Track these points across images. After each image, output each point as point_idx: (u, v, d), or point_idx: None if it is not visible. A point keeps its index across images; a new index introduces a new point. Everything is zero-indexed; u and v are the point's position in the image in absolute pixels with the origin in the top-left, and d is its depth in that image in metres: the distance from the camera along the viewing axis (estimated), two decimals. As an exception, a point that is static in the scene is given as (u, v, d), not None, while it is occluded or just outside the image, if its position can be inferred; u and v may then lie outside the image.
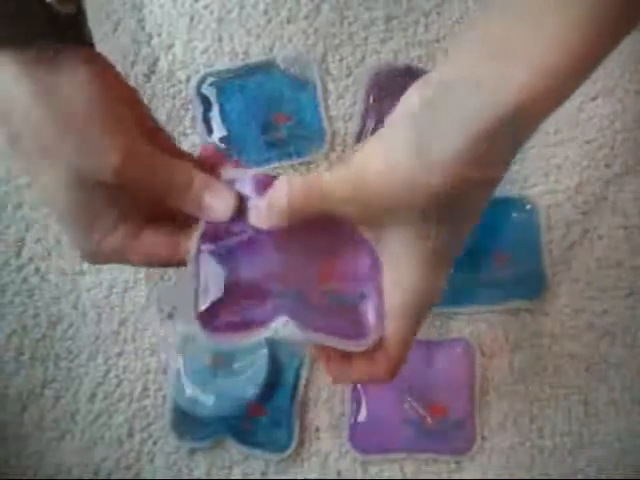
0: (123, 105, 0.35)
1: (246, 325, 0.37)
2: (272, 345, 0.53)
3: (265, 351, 0.52)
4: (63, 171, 0.33)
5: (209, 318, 0.36)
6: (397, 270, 0.35)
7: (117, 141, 0.33)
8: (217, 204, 0.35)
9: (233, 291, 0.37)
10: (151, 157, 0.35)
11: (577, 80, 0.31)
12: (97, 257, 0.36)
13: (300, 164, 0.56)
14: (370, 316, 0.36)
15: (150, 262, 0.37)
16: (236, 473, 0.52)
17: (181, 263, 0.37)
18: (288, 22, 0.57)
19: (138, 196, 0.35)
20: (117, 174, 0.33)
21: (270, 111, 0.56)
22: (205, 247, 0.37)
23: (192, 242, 0.36)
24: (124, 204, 0.35)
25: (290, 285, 0.37)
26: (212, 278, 0.37)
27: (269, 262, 0.37)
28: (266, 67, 0.56)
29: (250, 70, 0.56)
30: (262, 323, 0.36)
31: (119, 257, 0.36)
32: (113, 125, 0.34)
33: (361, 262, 0.36)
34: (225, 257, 0.37)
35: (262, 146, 0.55)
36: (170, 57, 0.57)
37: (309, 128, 0.56)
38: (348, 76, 0.57)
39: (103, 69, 0.35)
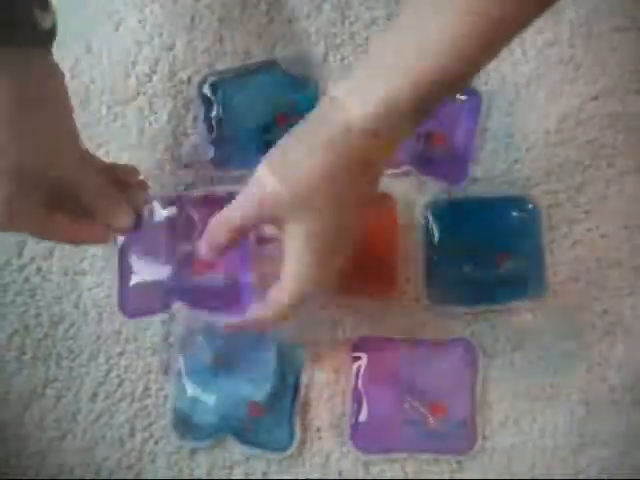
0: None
1: (152, 310, 0.53)
2: (276, 345, 0.53)
3: (270, 351, 0.52)
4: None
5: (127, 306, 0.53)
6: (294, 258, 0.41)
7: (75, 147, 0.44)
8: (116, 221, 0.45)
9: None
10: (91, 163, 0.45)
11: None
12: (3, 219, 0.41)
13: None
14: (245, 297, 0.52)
15: (52, 238, 0.47)
16: (237, 473, 0.52)
17: (79, 244, 0.50)
18: (289, 21, 0.57)
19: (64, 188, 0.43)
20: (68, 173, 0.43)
21: (272, 111, 0.55)
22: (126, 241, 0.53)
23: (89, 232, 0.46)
24: (50, 190, 0.42)
25: (180, 273, 0.53)
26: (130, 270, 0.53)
27: (162, 253, 0.53)
28: (267, 67, 0.56)
29: (251, 70, 0.56)
30: (162, 307, 0.53)
31: (27, 227, 0.43)
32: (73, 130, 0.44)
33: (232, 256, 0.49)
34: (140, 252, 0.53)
35: (264, 146, 0.55)
36: (171, 57, 0.57)
37: (310, 128, 0.56)
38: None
39: (62, 78, 0.43)
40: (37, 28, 0.40)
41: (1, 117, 0.39)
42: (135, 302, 0.53)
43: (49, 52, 0.42)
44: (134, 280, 0.53)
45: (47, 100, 0.41)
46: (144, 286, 0.53)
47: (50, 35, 0.42)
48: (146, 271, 0.53)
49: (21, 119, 0.39)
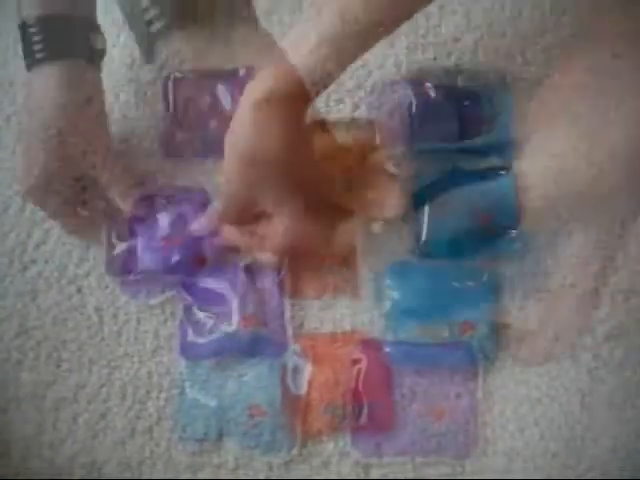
0: None
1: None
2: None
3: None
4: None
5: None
6: None
7: None
8: None
9: None
10: None
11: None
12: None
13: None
14: None
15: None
16: (238, 475, 0.52)
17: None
18: (290, 26, 0.58)
19: None
20: None
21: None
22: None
23: None
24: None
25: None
26: None
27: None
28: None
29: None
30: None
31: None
32: None
33: None
34: None
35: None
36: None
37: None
38: (349, 79, 0.57)
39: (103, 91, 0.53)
40: (91, 47, 0.51)
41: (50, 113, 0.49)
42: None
43: (99, 68, 0.52)
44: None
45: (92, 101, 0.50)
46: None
47: (101, 54, 0.52)
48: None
49: (66, 116, 0.49)
